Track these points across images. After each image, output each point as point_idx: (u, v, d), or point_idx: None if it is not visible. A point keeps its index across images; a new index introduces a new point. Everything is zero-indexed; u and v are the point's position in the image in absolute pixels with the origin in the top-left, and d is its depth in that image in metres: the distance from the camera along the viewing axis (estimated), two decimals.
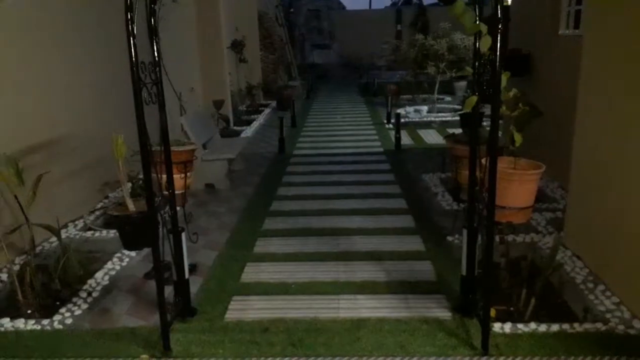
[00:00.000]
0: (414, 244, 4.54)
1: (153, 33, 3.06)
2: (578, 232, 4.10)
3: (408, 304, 3.51)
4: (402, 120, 9.71)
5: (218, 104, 9.81)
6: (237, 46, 12.88)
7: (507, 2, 2.66)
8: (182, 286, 3.38)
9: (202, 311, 3.45)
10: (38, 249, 4.26)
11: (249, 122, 11.23)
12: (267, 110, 13.04)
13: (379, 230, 4.87)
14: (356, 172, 7.06)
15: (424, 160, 7.46)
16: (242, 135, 9.76)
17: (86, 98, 5.48)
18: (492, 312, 3.10)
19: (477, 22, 2.79)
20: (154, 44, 3.06)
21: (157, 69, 3.06)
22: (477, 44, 2.98)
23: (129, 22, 2.65)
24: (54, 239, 4.43)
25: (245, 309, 3.51)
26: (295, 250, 4.45)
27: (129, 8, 2.64)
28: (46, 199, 4.42)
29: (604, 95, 3.76)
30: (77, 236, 4.72)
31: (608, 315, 3.23)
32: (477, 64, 3.05)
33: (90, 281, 3.85)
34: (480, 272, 3.19)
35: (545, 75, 6.35)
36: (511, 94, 3.30)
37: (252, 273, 4.05)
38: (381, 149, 8.58)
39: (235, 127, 10.40)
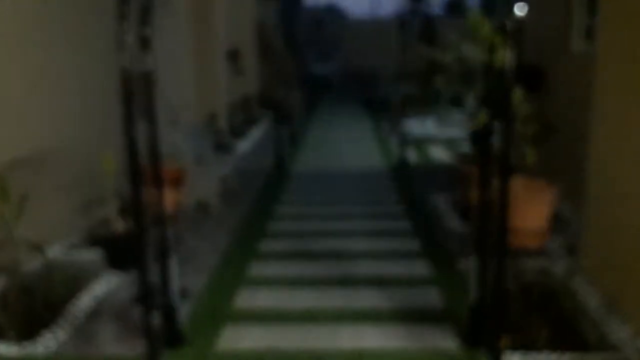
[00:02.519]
0: (420, 268, 4.53)
1: (146, 43, 3.10)
2: (592, 257, 4.09)
3: (414, 333, 3.49)
4: (408, 135, 9.75)
5: (212, 117, 9.86)
6: (233, 56, 13.00)
7: (519, 14, 2.70)
8: (171, 312, 3.36)
9: (193, 339, 3.43)
10: (22, 269, 4.24)
11: (244, 136, 11.27)
12: (264, 124, 13.10)
13: (383, 253, 4.86)
14: (359, 190, 7.07)
15: (431, 178, 7.48)
16: (238, 149, 9.79)
17: (74, 110, 5.50)
18: (503, 342, 3.08)
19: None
20: (147, 55, 3.09)
21: (150, 80, 3.09)
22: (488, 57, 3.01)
23: (122, 33, 2.68)
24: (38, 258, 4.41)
25: (238, 338, 3.48)
26: (293, 274, 4.44)
27: (122, 17, 2.67)
28: (31, 216, 4.41)
29: (619, 111, 3.78)
30: (63, 255, 4.71)
31: (623, 345, 3.21)
32: (488, 77, 3.08)
33: (76, 303, 3.83)
34: (491, 299, 3.18)
35: (559, 91, 6.40)
36: (525, 109, 3.33)
37: (246, 298, 4.03)
38: (385, 166, 8.61)
39: (230, 141, 10.43)
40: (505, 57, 2.70)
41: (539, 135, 3.37)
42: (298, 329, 3.58)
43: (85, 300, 3.90)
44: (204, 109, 9.89)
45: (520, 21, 2.64)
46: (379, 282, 4.23)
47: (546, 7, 6.68)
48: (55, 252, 4.80)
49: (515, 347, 3.19)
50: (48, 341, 3.37)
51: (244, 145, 10.34)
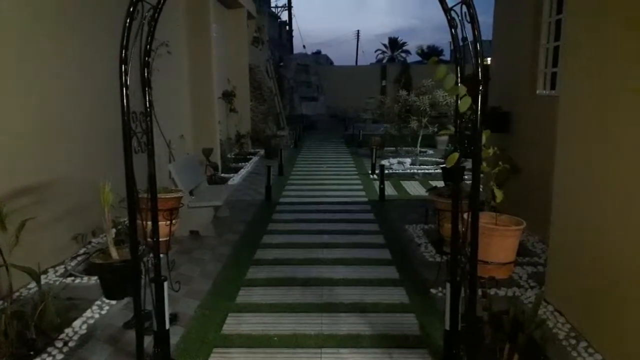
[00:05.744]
0: (398, 295, 4.46)
1: (146, 84, 3.08)
2: (559, 287, 4.07)
3: (392, 358, 3.40)
4: (386, 171, 9.80)
5: (207, 152, 9.82)
6: (228, 96, 13.08)
7: (486, 61, 2.74)
8: (162, 337, 3.24)
9: None
10: (16, 294, 4.09)
11: (237, 170, 11.23)
12: (255, 159, 13.09)
13: (363, 281, 4.78)
14: (341, 222, 7.02)
15: (407, 211, 7.46)
16: (230, 182, 9.72)
17: (74, 143, 5.44)
18: None
19: (458, 84, 2.86)
20: (147, 95, 3.07)
21: (148, 118, 3.06)
22: (458, 102, 3.04)
23: (123, 74, 2.67)
24: (33, 284, 4.26)
25: None
26: (279, 301, 4.33)
27: (123, 61, 2.66)
28: (28, 242, 4.29)
29: (580, 152, 3.83)
30: (57, 282, 4.56)
31: None
32: (458, 121, 3.11)
33: (68, 330, 3.68)
34: (464, 326, 3.12)
35: (525, 133, 6.51)
36: (490, 151, 3.35)
37: (233, 324, 3.92)
38: (365, 199, 8.59)
39: (223, 175, 10.38)
40: (467, 104, 2.72)
41: (504, 174, 3.38)
42: (283, 354, 3.47)
43: (77, 326, 3.75)
44: (200, 145, 9.87)
45: (485, 68, 2.67)
46: (359, 309, 4.15)
47: (514, 56, 6.84)
48: (50, 278, 4.66)
49: None
50: None
51: (236, 178, 10.28)
